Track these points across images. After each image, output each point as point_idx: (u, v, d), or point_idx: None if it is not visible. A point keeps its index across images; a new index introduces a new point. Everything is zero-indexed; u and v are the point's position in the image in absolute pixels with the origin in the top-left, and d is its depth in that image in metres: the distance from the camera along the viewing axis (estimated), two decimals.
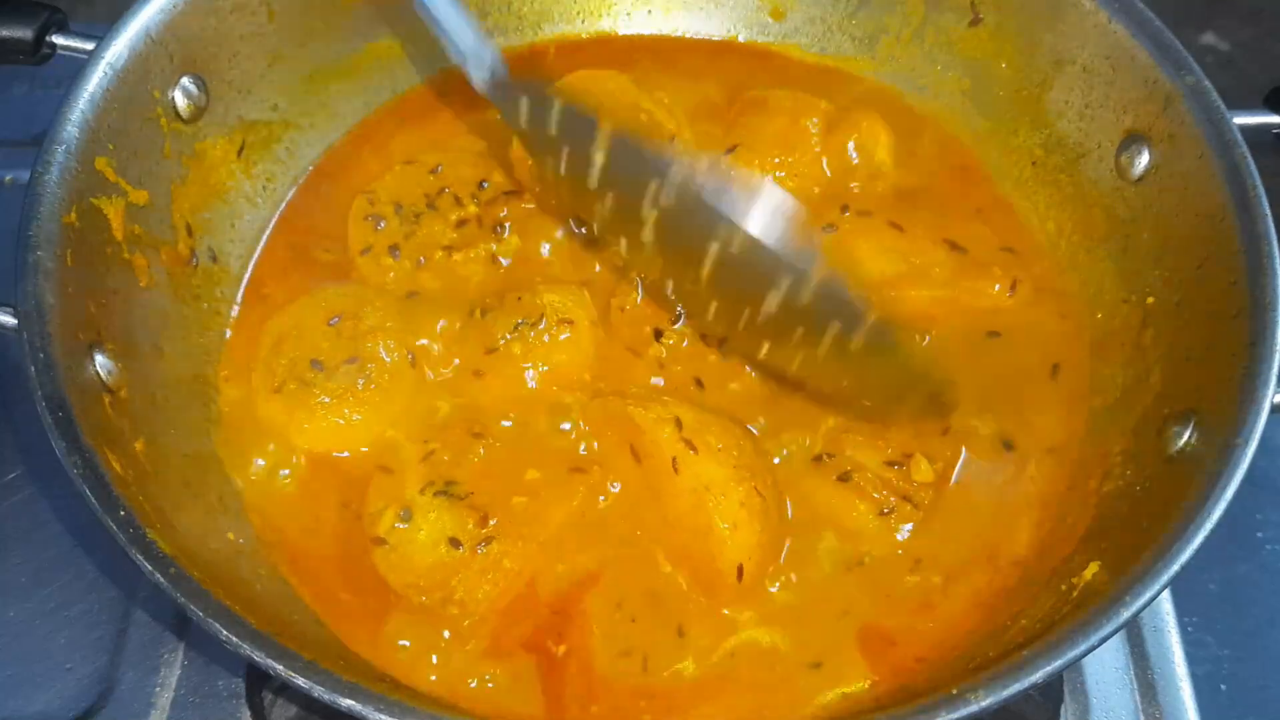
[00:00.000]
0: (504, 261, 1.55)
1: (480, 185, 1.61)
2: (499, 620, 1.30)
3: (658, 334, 1.47)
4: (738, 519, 1.30)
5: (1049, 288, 1.56)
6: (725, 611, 1.31)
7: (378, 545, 1.33)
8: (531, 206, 1.60)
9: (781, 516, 1.36)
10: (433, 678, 1.27)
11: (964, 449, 1.42)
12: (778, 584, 1.34)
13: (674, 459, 1.32)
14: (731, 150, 1.65)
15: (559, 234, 1.57)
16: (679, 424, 1.34)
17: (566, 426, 1.42)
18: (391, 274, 1.54)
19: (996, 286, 1.53)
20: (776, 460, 1.40)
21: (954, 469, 1.41)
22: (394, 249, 1.55)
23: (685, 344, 1.47)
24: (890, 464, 1.39)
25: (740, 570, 1.30)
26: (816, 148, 1.64)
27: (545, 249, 1.57)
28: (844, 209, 1.58)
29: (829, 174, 1.64)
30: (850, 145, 1.65)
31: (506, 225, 1.57)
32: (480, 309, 1.48)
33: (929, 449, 1.40)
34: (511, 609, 1.32)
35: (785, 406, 1.44)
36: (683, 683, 1.28)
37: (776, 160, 1.63)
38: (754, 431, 1.41)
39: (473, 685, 1.27)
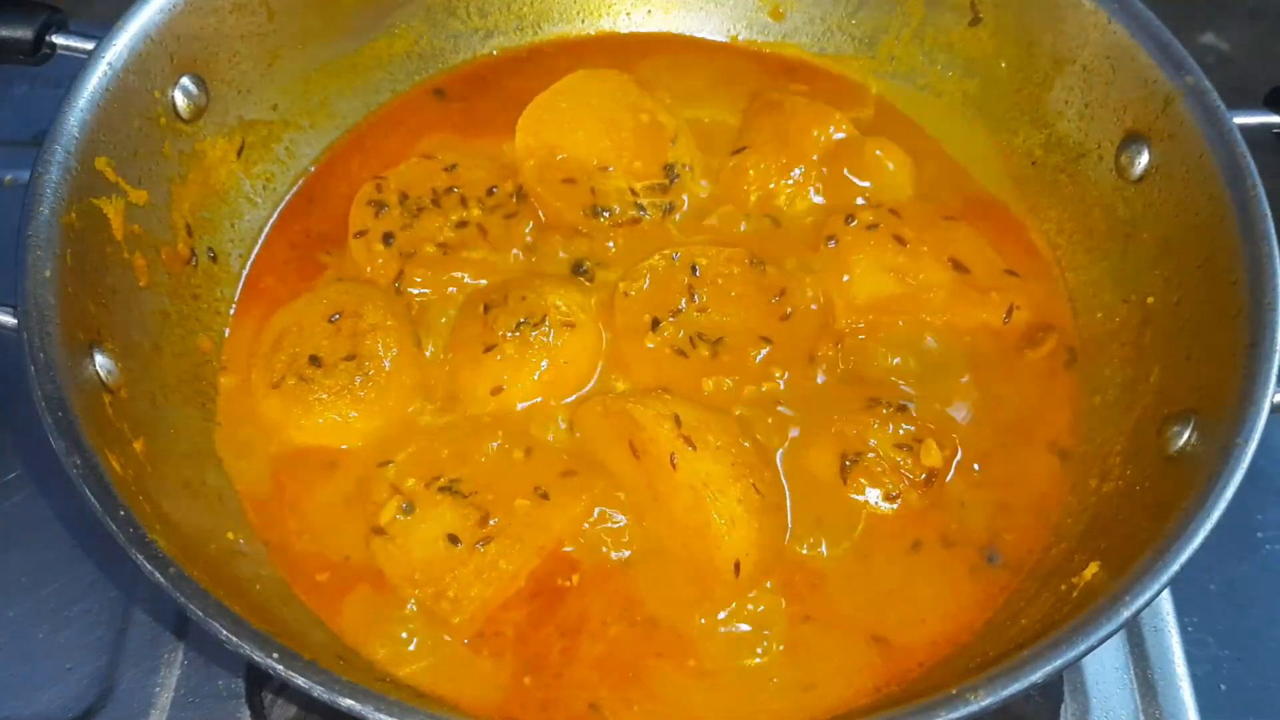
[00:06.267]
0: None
1: (489, 191, 1.61)
2: (488, 622, 1.31)
3: (655, 322, 1.47)
4: (735, 515, 1.30)
5: (1045, 314, 1.54)
6: (726, 608, 1.31)
7: (377, 535, 1.34)
8: (533, 210, 1.61)
9: (782, 513, 1.36)
10: (423, 670, 1.28)
11: (960, 446, 1.43)
12: (776, 580, 1.33)
13: (672, 455, 1.32)
14: (739, 151, 1.65)
15: (559, 242, 1.58)
16: (678, 421, 1.34)
17: (565, 426, 1.42)
18: (380, 260, 1.55)
19: (990, 316, 1.52)
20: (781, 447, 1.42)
21: (956, 455, 1.42)
22: (388, 236, 1.56)
23: (681, 334, 1.47)
24: (900, 446, 1.39)
25: (737, 566, 1.30)
26: (825, 156, 1.64)
27: (545, 255, 1.58)
28: (849, 219, 1.57)
29: (836, 183, 1.64)
30: (858, 155, 1.65)
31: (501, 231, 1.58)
32: (484, 304, 1.49)
33: (940, 435, 1.41)
34: (504, 607, 1.32)
35: (788, 392, 1.45)
36: (677, 680, 1.28)
37: (783, 162, 1.63)
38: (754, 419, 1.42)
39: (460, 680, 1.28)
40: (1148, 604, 1.13)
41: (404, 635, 1.30)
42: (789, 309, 1.51)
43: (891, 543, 1.37)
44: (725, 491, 1.30)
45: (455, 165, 1.63)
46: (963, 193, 1.67)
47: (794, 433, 1.42)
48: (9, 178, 1.85)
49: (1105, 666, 1.45)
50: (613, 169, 1.63)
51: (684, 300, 1.49)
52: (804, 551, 1.36)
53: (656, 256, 1.53)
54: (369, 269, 1.55)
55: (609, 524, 1.37)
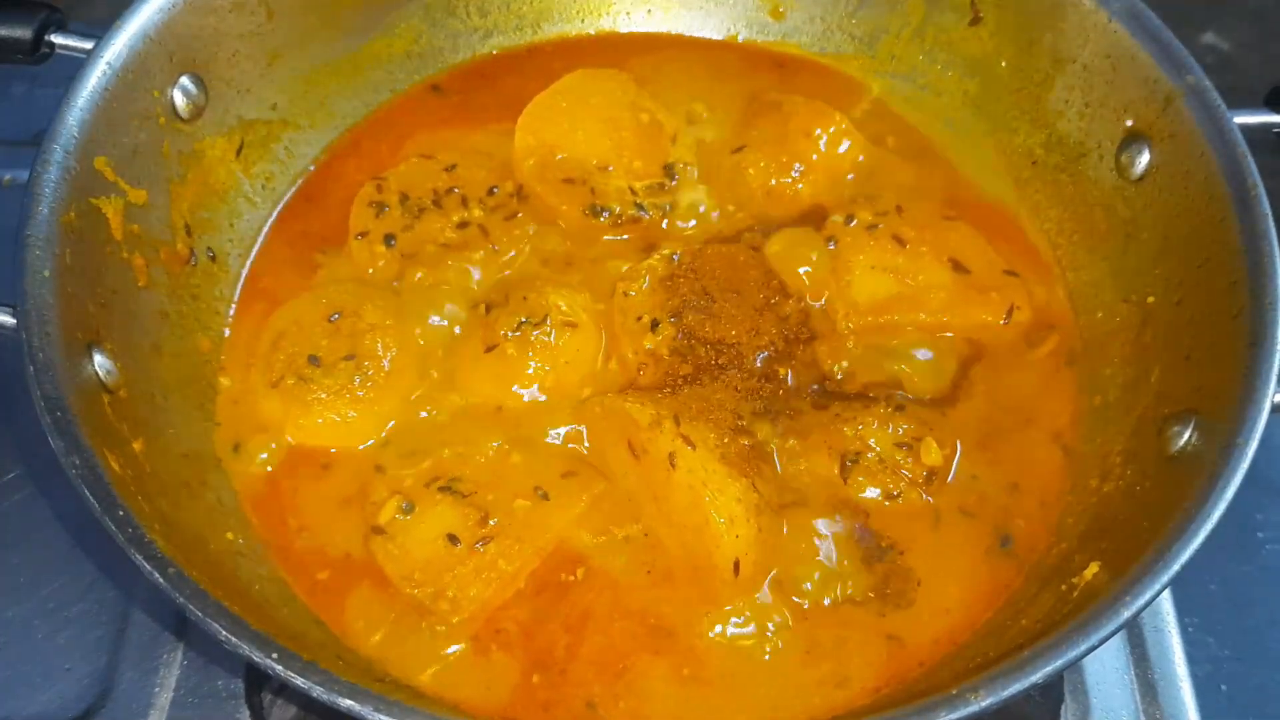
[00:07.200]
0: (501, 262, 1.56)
1: (490, 191, 1.61)
2: (488, 622, 1.31)
3: (654, 323, 1.47)
4: (734, 514, 1.30)
5: (1046, 314, 1.54)
6: (725, 608, 1.31)
7: (376, 534, 1.34)
8: (533, 210, 1.61)
9: (780, 513, 1.36)
10: (431, 670, 1.28)
11: (959, 443, 1.43)
12: (776, 580, 1.33)
13: (671, 455, 1.32)
14: (739, 150, 1.65)
15: (559, 243, 1.59)
16: (677, 420, 1.34)
17: (565, 429, 1.42)
18: (381, 262, 1.55)
19: (990, 316, 1.51)
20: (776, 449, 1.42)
21: (955, 454, 1.42)
22: (389, 238, 1.56)
23: (680, 334, 1.46)
24: (900, 445, 1.39)
25: (736, 566, 1.30)
26: (826, 156, 1.64)
27: (545, 255, 1.58)
28: (848, 220, 1.57)
29: (837, 183, 1.64)
30: (860, 156, 1.65)
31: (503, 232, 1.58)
32: (485, 304, 1.48)
33: (940, 434, 1.41)
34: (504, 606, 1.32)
35: (788, 392, 1.45)
36: (675, 679, 1.28)
37: (783, 161, 1.63)
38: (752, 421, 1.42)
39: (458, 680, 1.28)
40: (1148, 604, 1.13)
41: (408, 635, 1.30)
42: (789, 309, 1.50)
43: (892, 544, 1.37)
44: (724, 491, 1.30)
45: (455, 165, 1.63)
46: (963, 192, 1.66)
47: (794, 433, 1.42)
48: (8, 177, 1.85)
49: (1106, 667, 1.45)
50: (612, 168, 1.63)
51: (683, 300, 1.49)
52: (806, 548, 1.36)
53: (656, 257, 1.53)
54: (370, 270, 1.55)
55: (609, 524, 1.36)
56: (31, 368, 1.20)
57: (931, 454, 1.39)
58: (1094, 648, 1.11)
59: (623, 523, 1.37)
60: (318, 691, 1.06)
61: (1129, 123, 1.50)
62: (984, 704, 1.07)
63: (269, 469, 1.42)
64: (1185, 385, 1.34)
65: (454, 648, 1.29)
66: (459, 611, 1.29)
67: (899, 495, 1.38)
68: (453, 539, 1.32)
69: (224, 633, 1.09)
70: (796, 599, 1.32)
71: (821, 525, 1.37)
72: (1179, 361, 1.37)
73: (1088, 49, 1.55)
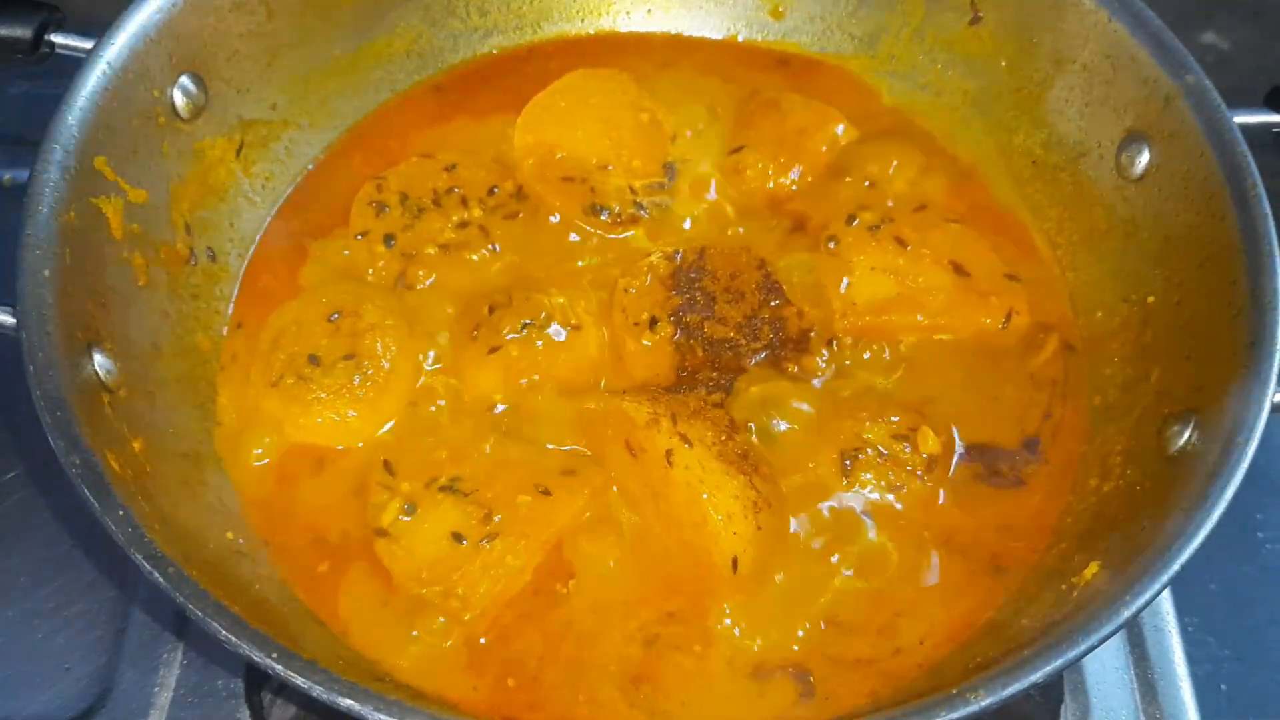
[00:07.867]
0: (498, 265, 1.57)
1: (490, 191, 1.61)
2: (499, 615, 1.31)
3: (653, 321, 1.47)
4: (732, 511, 1.30)
5: (1046, 315, 1.54)
6: (723, 606, 1.32)
7: (380, 537, 1.34)
8: (533, 210, 1.61)
9: (779, 510, 1.36)
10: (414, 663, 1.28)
11: (956, 430, 1.43)
12: (778, 577, 1.34)
13: (668, 452, 1.32)
14: (738, 150, 1.65)
15: (559, 242, 1.59)
16: (674, 418, 1.34)
17: (564, 429, 1.42)
18: (381, 262, 1.55)
19: (988, 320, 1.51)
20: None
21: (954, 443, 1.42)
22: (389, 238, 1.56)
23: (679, 332, 1.47)
24: (897, 437, 1.39)
25: (735, 563, 1.30)
26: (826, 156, 1.64)
27: (545, 255, 1.58)
28: (850, 219, 1.56)
29: (836, 182, 1.64)
30: (859, 155, 1.65)
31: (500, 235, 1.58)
32: (489, 305, 1.49)
33: (935, 423, 1.41)
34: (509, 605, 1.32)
35: (786, 391, 1.45)
36: (674, 678, 1.28)
37: (782, 161, 1.63)
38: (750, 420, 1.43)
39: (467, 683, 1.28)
40: (1148, 604, 1.13)
41: (398, 625, 1.30)
42: (788, 310, 1.50)
43: (892, 541, 1.37)
44: (721, 488, 1.30)
45: (455, 165, 1.63)
46: (963, 193, 1.66)
47: (792, 431, 1.42)
48: (8, 177, 1.85)
49: (1106, 666, 1.45)
50: (612, 168, 1.63)
51: (683, 299, 1.49)
52: (808, 547, 1.36)
53: (656, 255, 1.53)
54: (370, 270, 1.55)
55: (608, 521, 1.37)
56: (31, 368, 1.20)
57: (929, 442, 1.39)
58: (1094, 647, 1.11)
59: (624, 520, 1.37)
60: (318, 691, 1.07)
61: (1129, 122, 1.50)
62: (984, 704, 1.07)
63: (269, 468, 1.42)
64: (1185, 385, 1.34)
65: (450, 644, 1.29)
66: (470, 608, 1.29)
67: (902, 487, 1.38)
68: (457, 537, 1.32)
69: (224, 632, 1.09)
70: (796, 600, 1.32)
71: (821, 525, 1.37)
72: (1179, 361, 1.37)
73: (1088, 49, 1.55)
